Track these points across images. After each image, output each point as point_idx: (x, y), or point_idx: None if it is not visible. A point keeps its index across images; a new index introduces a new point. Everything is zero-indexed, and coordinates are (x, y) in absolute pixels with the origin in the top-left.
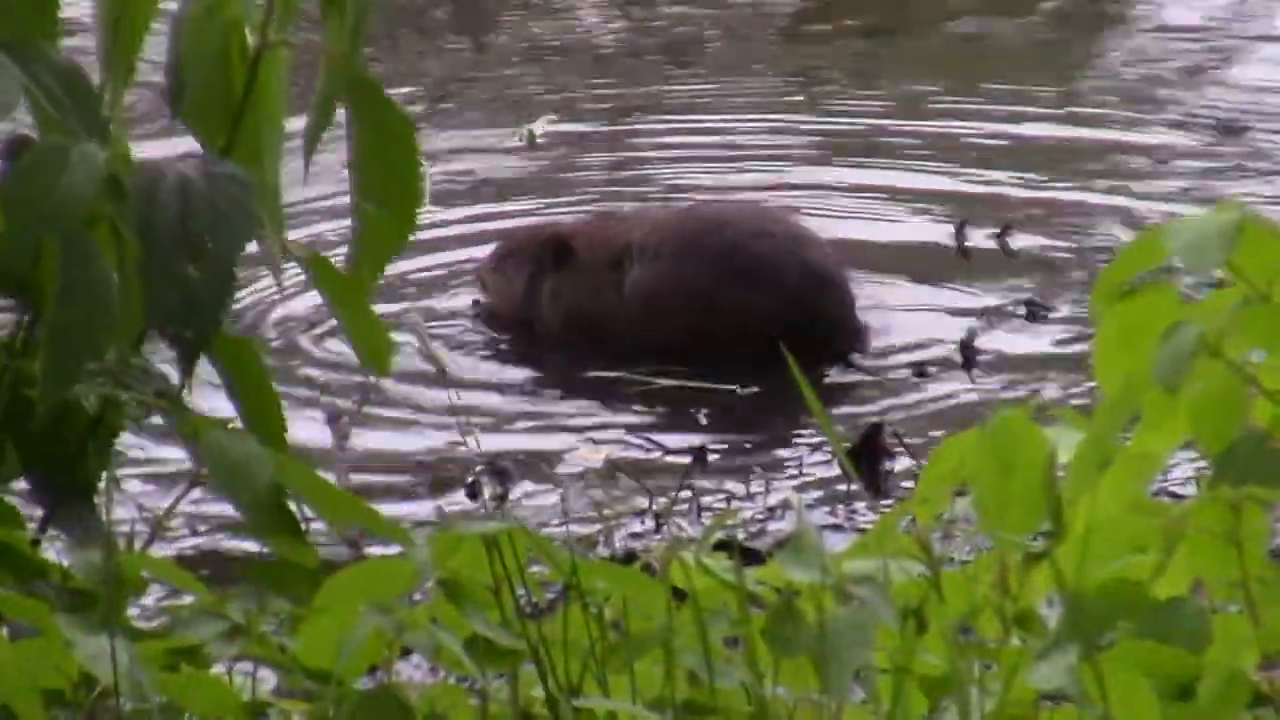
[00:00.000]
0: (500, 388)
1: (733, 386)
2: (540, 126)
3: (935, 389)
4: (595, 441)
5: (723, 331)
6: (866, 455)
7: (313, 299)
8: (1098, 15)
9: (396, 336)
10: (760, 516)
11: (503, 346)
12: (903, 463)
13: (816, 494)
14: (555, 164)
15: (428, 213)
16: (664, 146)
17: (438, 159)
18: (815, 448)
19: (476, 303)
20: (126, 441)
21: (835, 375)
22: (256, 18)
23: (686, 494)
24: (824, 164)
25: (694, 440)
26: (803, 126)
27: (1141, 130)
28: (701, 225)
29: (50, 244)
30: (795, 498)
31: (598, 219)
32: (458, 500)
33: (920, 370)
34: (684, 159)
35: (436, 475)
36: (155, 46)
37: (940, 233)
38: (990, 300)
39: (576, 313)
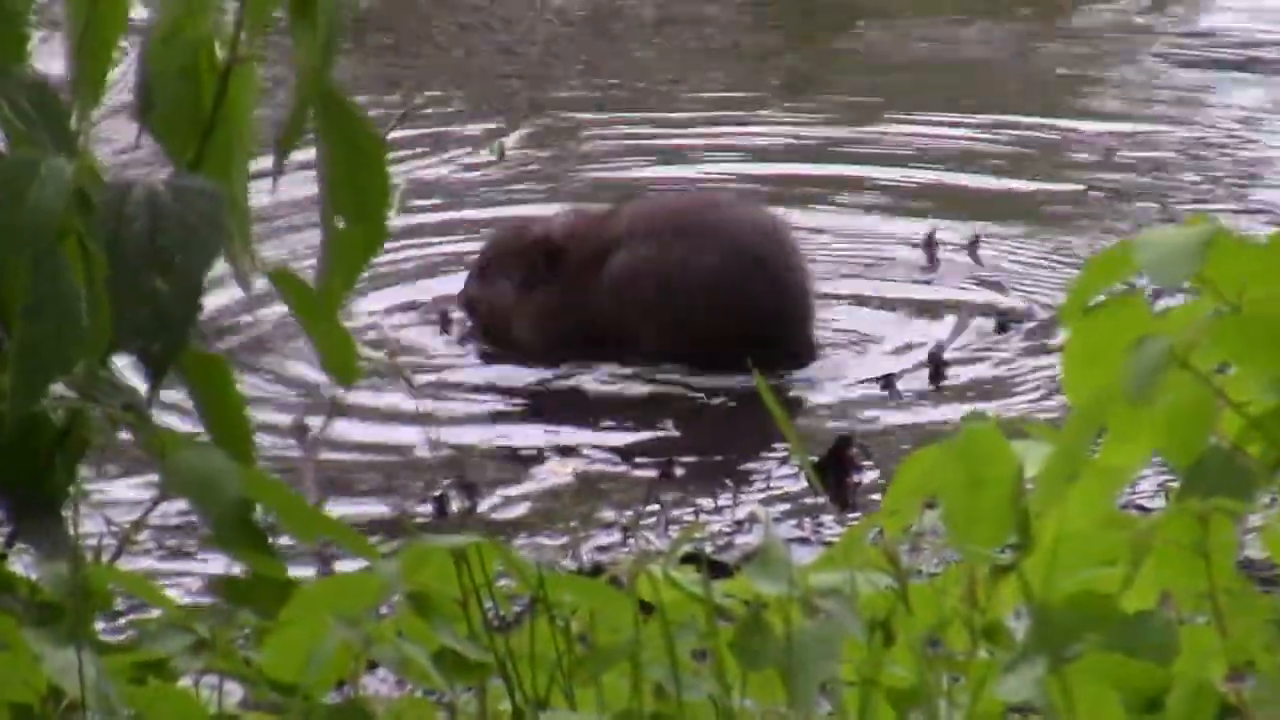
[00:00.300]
0: (467, 400)
1: (699, 395)
2: (511, 140)
3: (903, 402)
4: (563, 454)
5: (694, 316)
6: (834, 468)
7: (280, 310)
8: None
9: (362, 349)
10: (728, 529)
11: (470, 359)
12: (870, 476)
13: (784, 507)
14: (523, 166)
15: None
16: (633, 137)
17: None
18: (783, 461)
19: (464, 325)
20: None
21: (802, 389)
22: (226, 33)
23: (654, 507)
24: (793, 161)
25: (661, 454)
26: (774, 121)
27: (1120, 135)
28: (687, 210)
29: (18, 258)
30: (762, 511)
31: (581, 216)
32: (425, 514)
33: (888, 383)
34: (654, 150)
35: (403, 489)
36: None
37: (909, 243)
38: (959, 312)
39: (560, 320)
